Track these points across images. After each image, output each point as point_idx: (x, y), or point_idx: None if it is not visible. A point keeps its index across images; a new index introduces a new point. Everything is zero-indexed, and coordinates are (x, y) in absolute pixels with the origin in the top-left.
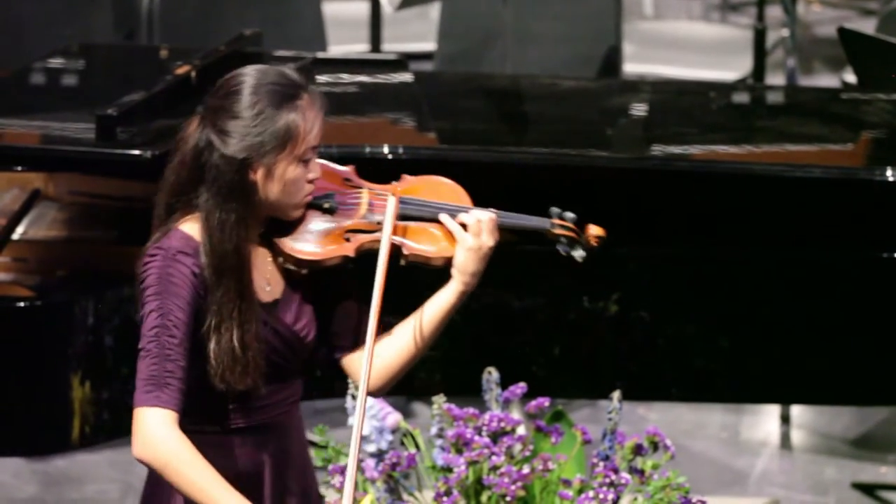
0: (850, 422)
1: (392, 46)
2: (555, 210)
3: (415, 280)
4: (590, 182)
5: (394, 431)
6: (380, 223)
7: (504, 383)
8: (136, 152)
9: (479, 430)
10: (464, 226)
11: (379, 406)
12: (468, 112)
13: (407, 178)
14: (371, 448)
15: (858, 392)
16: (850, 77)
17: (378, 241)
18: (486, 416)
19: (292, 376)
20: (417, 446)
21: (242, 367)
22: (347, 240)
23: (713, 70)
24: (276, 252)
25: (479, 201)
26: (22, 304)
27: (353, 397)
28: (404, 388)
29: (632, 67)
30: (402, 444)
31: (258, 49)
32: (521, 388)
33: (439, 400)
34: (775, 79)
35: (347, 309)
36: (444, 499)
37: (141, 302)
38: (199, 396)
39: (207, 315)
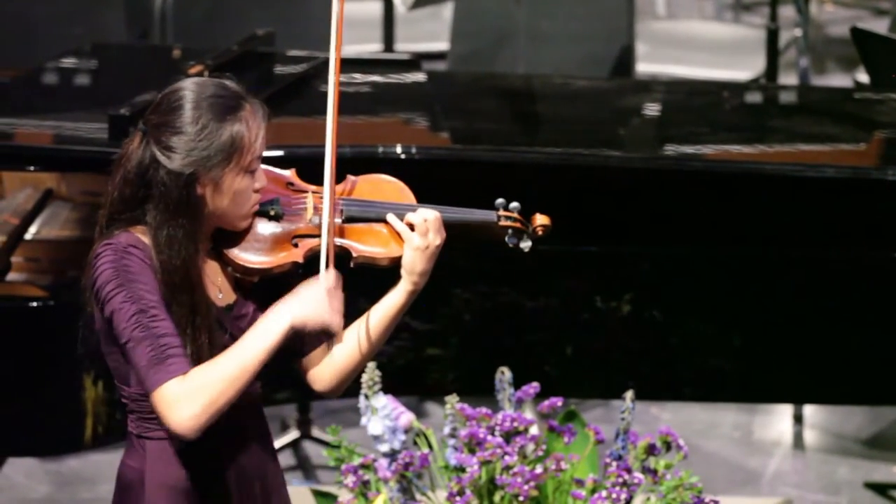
0: (862, 421)
1: (405, 46)
2: (500, 201)
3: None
4: (603, 182)
5: (407, 431)
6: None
7: (517, 383)
8: None
9: (491, 430)
10: (410, 225)
11: (392, 406)
12: (481, 112)
13: (350, 178)
14: (384, 448)
15: (871, 391)
16: (863, 77)
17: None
18: (499, 415)
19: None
20: (430, 446)
21: None
22: (296, 245)
23: (726, 70)
24: (225, 262)
25: (489, 200)
26: (35, 303)
27: (367, 397)
28: (417, 388)
29: (644, 67)
30: (415, 443)
31: (271, 49)
32: (533, 387)
33: (452, 400)
34: (788, 78)
35: None
36: (457, 499)
37: (102, 303)
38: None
39: None
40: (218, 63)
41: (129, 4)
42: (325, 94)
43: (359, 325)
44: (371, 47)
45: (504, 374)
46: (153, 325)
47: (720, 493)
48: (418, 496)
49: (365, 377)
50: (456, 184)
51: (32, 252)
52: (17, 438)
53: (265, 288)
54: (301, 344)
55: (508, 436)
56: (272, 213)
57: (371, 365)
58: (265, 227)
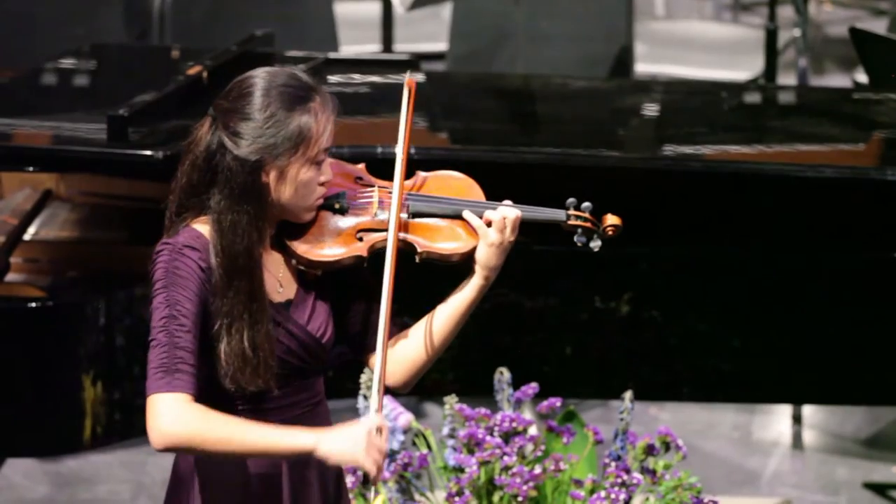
0: (861, 422)
1: (404, 47)
2: (571, 201)
3: (433, 276)
4: (601, 182)
5: (406, 432)
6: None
7: (516, 384)
8: (148, 153)
9: (490, 431)
10: (488, 222)
11: (391, 406)
12: (480, 112)
13: (420, 173)
14: None
15: (870, 391)
16: (862, 77)
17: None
18: (498, 416)
19: (310, 377)
20: (429, 446)
21: (253, 368)
22: (360, 239)
23: (725, 70)
24: (289, 254)
25: (490, 199)
26: (34, 304)
27: (365, 398)
28: (416, 388)
29: (643, 67)
30: (414, 444)
31: (270, 49)
32: (532, 388)
33: (451, 400)
34: (787, 79)
35: (367, 307)
36: (456, 499)
37: (151, 297)
38: (210, 397)
39: (216, 315)
40: (217, 64)
41: (128, 5)
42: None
43: (429, 320)
44: (370, 47)
45: (503, 375)
46: (177, 334)
47: (719, 493)
48: (417, 496)
49: (364, 378)
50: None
51: (31, 252)
52: (15, 439)
53: (326, 283)
54: (370, 338)
55: (507, 436)
56: (337, 206)
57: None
58: (330, 221)
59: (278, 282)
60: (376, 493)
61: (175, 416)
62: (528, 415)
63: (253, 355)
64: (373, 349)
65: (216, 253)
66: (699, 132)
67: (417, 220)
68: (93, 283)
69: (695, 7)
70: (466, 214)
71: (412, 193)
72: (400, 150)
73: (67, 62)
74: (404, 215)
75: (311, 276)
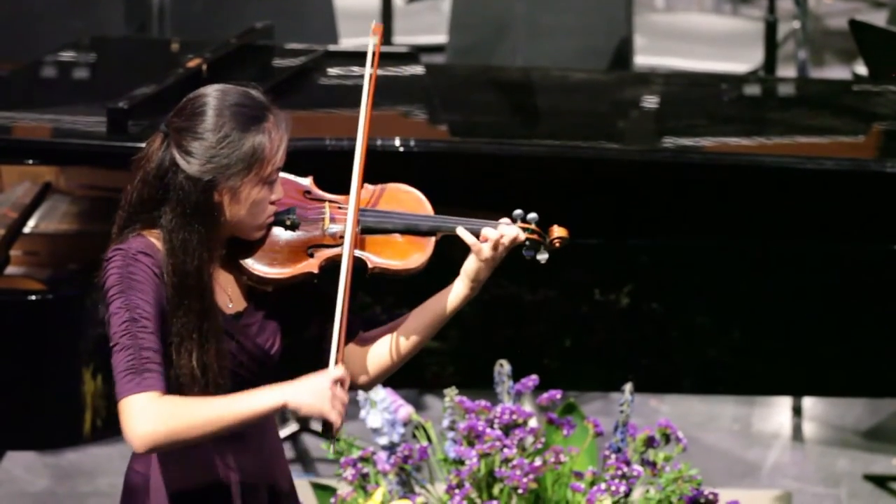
0: (862, 413)
1: (403, 39)
2: (517, 213)
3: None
4: (601, 174)
5: (406, 424)
6: (342, 237)
7: (516, 376)
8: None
9: (490, 423)
10: (484, 238)
11: (391, 399)
12: (479, 105)
13: (368, 187)
14: (383, 441)
15: (870, 383)
16: (861, 69)
17: (340, 256)
18: (498, 408)
19: (256, 385)
20: (429, 439)
21: (201, 387)
22: (311, 255)
23: (724, 62)
24: (240, 270)
25: (488, 192)
26: (33, 297)
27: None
28: (416, 380)
29: (643, 60)
30: (414, 436)
31: (269, 42)
32: (532, 380)
33: (451, 392)
34: (786, 71)
35: (323, 318)
36: (456, 491)
37: (104, 304)
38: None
39: (168, 331)
40: (216, 56)
41: None
42: (323, 88)
43: (405, 324)
44: (369, 40)
45: (503, 367)
46: (140, 335)
47: (719, 485)
48: (417, 489)
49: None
50: (454, 177)
51: (31, 246)
52: (16, 432)
53: (276, 298)
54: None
55: (507, 428)
56: (288, 222)
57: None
58: (281, 237)
59: (228, 297)
60: (336, 440)
61: (150, 415)
62: (528, 407)
63: (202, 375)
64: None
65: (167, 272)
66: (699, 124)
67: (368, 235)
68: (92, 276)
69: None
70: (460, 231)
71: (364, 209)
72: (360, 136)
73: (67, 55)
74: (356, 230)
75: (261, 292)
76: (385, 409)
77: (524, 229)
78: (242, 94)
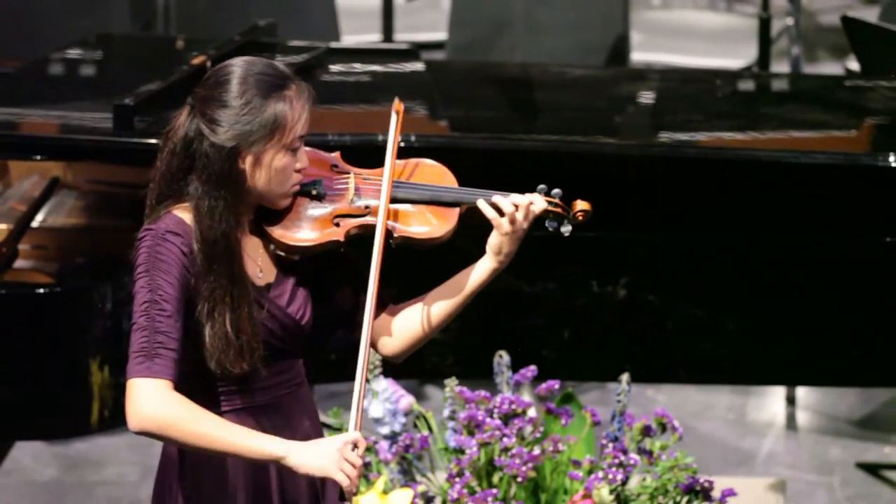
0: (854, 403)
1: (404, 36)
2: (541, 187)
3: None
4: (599, 169)
5: (407, 414)
6: (367, 207)
7: (515, 366)
8: (153, 141)
9: (490, 413)
10: (500, 211)
11: (392, 389)
12: (479, 100)
13: (395, 161)
14: (385, 430)
15: (863, 373)
16: (854, 65)
17: (366, 226)
18: (498, 398)
19: (291, 358)
20: (430, 428)
21: (237, 351)
22: (337, 225)
23: (719, 58)
24: (267, 239)
25: (488, 187)
26: (42, 290)
27: (367, 380)
28: (417, 371)
29: (639, 56)
30: (416, 426)
31: (272, 39)
32: (531, 371)
33: (451, 383)
34: (780, 67)
35: (354, 287)
36: (457, 480)
37: (132, 282)
38: (198, 379)
39: (200, 300)
40: (221, 53)
41: None
42: (325, 84)
43: (435, 296)
44: (371, 37)
45: (502, 358)
46: (158, 318)
47: (714, 473)
48: (419, 477)
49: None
50: (454, 171)
51: (39, 239)
52: (24, 422)
53: (305, 267)
54: (360, 314)
55: (507, 418)
56: (314, 192)
57: (371, 350)
58: (307, 207)
59: (258, 267)
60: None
61: (152, 401)
62: (527, 397)
63: (236, 338)
64: (362, 325)
65: (196, 239)
66: (694, 119)
67: (393, 205)
68: (99, 269)
69: None
70: (480, 203)
71: (393, 180)
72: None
73: (74, 52)
74: (381, 201)
75: (290, 261)
76: (387, 399)
77: (547, 202)
78: (266, 64)
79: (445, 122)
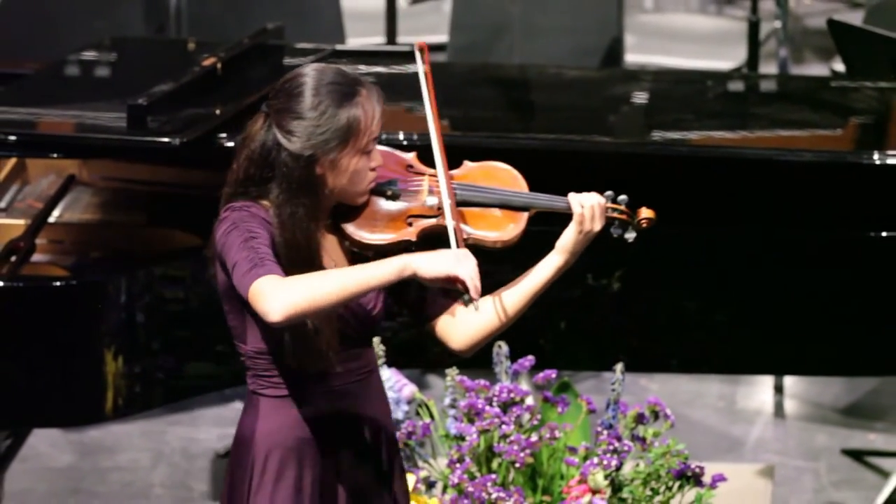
0: (840, 391)
1: (406, 38)
2: (608, 194)
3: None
4: (594, 166)
5: (409, 402)
6: (440, 208)
7: (513, 356)
8: (166, 140)
9: (489, 401)
10: (581, 208)
11: (395, 378)
12: (478, 100)
13: (466, 163)
14: None
15: (848, 363)
16: (839, 66)
17: (438, 226)
18: (497, 387)
19: (362, 346)
20: (432, 416)
21: (316, 350)
22: (410, 224)
23: (710, 60)
24: (343, 237)
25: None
26: (58, 283)
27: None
28: (419, 361)
29: (633, 58)
30: (418, 414)
31: (280, 42)
32: (529, 360)
33: (452, 372)
34: (768, 68)
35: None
36: (457, 465)
37: (221, 251)
38: (275, 366)
39: None
40: (230, 55)
41: (147, 0)
42: None
43: (502, 293)
44: (375, 39)
45: (501, 348)
46: (258, 247)
47: (705, 459)
48: (420, 463)
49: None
50: (454, 167)
51: (56, 234)
52: (41, 410)
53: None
54: (429, 307)
55: (505, 406)
56: (389, 192)
57: (375, 339)
58: (382, 206)
59: (333, 262)
60: (474, 300)
61: (282, 286)
62: (525, 386)
63: (315, 339)
64: (432, 319)
65: (278, 243)
66: (686, 119)
67: (464, 208)
68: (114, 263)
69: (681, 0)
70: (571, 197)
71: (460, 183)
72: (432, 126)
73: (89, 54)
74: (452, 202)
75: (364, 256)
76: (390, 388)
77: (613, 209)
78: (336, 72)
79: (446, 121)
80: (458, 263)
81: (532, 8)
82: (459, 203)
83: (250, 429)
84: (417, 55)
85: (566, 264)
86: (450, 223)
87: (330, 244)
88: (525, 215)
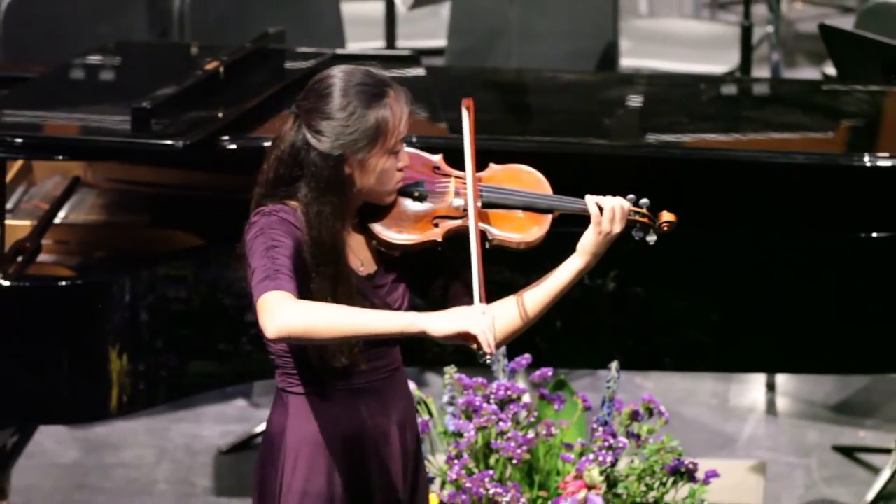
0: (831, 389)
1: (406, 43)
2: (630, 197)
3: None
4: (589, 168)
5: None
6: (465, 210)
7: (510, 355)
8: (169, 142)
9: (487, 398)
10: (602, 210)
11: None
12: (477, 103)
13: (492, 166)
14: None
15: (839, 361)
16: (831, 70)
17: (464, 227)
18: (494, 385)
19: (388, 344)
20: (430, 413)
21: (337, 348)
22: (436, 225)
23: (703, 64)
24: (370, 236)
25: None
26: (64, 283)
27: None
28: (418, 359)
29: (628, 62)
30: (417, 411)
31: (281, 46)
32: (526, 359)
33: (451, 370)
34: (761, 72)
35: (447, 281)
36: (455, 462)
37: (248, 254)
38: (300, 364)
39: (304, 291)
40: (233, 59)
41: (150, 5)
42: None
43: (524, 294)
44: (374, 44)
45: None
46: (277, 258)
47: (699, 456)
48: None
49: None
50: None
51: (61, 235)
52: (47, 407)
53: (404, 262)
54: (453, 306)
55: (503, 403)
56: (416, 193)
57: None
58: (409, 207)
59: (360, 260)
60: (493, 359)
61: (285, 306)
62: (521, 384)
63: None
64: None
65: (305, 241)
66: (680, 122)
67: (489, 209)
68: (118, 263)
69: (675, 5)
70: (588, 199)
71: (485, 185)
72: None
73: (94, 58)
74: (478, 204)
75: (391, 256)
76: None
77: (635, 212)
78: (364, 73)
79: (444, 124)
80: (472, 321)
81: (529, 13)
82: (485, 205)
83: (280, 426)
84: (464, 113)
85: (587, 266)
86: (472, 230)
87: (357, 243)
88: (549, 217)
